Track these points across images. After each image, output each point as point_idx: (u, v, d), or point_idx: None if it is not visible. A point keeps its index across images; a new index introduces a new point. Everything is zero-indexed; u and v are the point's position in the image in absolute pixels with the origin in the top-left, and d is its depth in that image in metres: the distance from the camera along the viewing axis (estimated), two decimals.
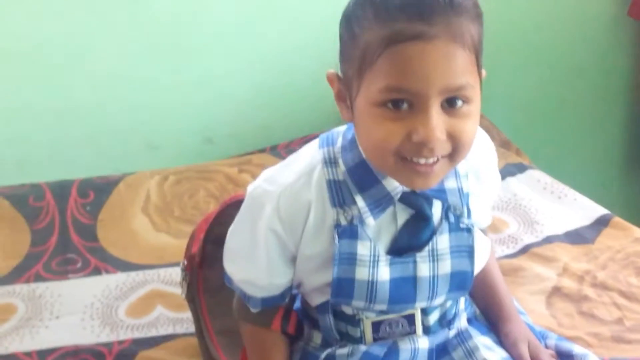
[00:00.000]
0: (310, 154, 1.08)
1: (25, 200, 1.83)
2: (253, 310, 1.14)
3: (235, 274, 1.14)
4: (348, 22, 0.99)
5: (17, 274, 1.63)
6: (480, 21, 0.97)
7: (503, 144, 2.10)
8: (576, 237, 1.67)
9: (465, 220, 1.08)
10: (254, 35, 2.13)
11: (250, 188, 1.10)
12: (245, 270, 1.13)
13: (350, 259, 1.03)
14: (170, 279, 1.65)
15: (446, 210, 1.07)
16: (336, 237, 1.03)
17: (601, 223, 1.70)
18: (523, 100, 2.49)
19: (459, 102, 0.94)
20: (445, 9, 0.92)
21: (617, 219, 1.70)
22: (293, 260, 1.10)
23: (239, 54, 2.14)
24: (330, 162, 1.05)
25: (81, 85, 2.03)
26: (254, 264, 1.10)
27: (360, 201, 1.03)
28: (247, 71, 2.17)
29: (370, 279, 1.04)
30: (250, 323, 1.17)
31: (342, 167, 1.05)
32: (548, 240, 1.66)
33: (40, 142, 2.04)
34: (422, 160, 0.95)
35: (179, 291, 1.55)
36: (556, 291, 1.50)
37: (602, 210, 1.75)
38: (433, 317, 1.11)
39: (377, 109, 0.95)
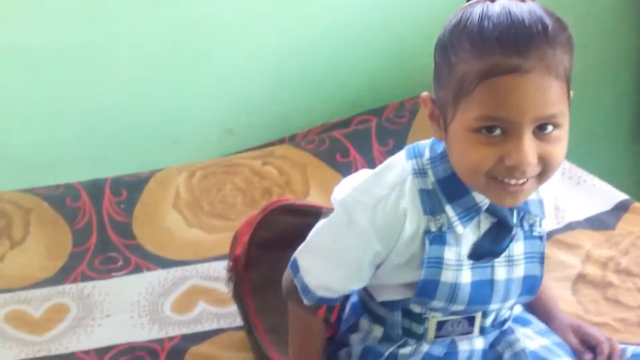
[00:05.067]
0: (400, 165, 1.13)
1: (63, 201, 1.89)
2: (306, 302, 1.21)
3: (312, 272, 1.19)
4: (444, 49, 1.04)
5: (65, 274, 1.70)
6: (572, 51, 1.02)
7: None
8: (597, 223, 1.73)
9: (538, 229, 1.15)
10: (268, 29, 2.18)
11: (339, 196, 1.15)
12: (324, 273, 1.18)
13: (438, 263, 1.10)
14: (208, 274, 1.72)
15: (521, 218, 1.14)
16: (427, 242, 1.10)
17: (621, 208, 1.76)
18: None
19: (550, 127, 1.00)
20: (540, 43, 0.97)
21: (636, 204, 1.76)
22: (378, 266, 1.16)
23: (255, 48, 2.19)
24: (420, 172, 1.11)
25: (103, 87, 2.08)
26: (337, 270, 1.17)
27: (450, 211, 1.09)
28: (263, 63, 2.22)
29: (453, 281, 1.11)
30: (298, 306, 1.23)
31: (431, 178, 1.10)
32: (570, 226, 1.73)
33: (68, 143, 2.10)
34: (513, 181, 1.01)
35: (218, 286, 1.65)
36: (581, 278, 1.58)
37: (621, 196, 1.81)
38: (489, 319, 1.19)
39: (471, 134, 1.00)
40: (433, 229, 1.10)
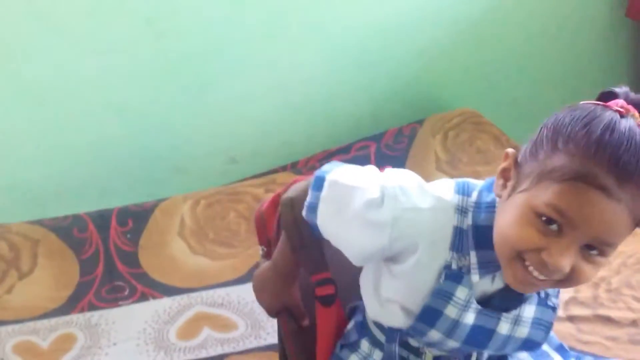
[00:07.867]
0: (448, 195, 1.14)
1: (70, 232, 1.94)
2: (303, 213, 1.19)
3: (327, 203, 1.17)
4: (556, 132, 1.03)
5: (72, 304, 1.75)
6: None
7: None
8: None
9: (553, 299, 1.18)
10: (269, 58, 2.23)
11: (385, 181, 1.14)
12: (334, 219, 1.17)
13: (447, 297, 1.13)
14: (213, 300, 1.77)
15: None
16: (443, 276, 1.12)
17: None
18: (526, 103, 2.60)
19: (596, 252, 1.01)
20: (637, 184, 0.98)
21: None
22: (380, 253, 1.16)
23: (257, 77, 2.25)
24: (462, 210, 1.13)
25: (107, 118, 2.14)
26: (345, 229, 1.16)
27: (473, 257, 1.12)
28: (266, 93, 2.27)
29: (456, 318, 1.14)
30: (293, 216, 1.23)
31: (469, 221, 1.12)
32: None
33: (74, 174, 2.15)
34: (535, 273, 1.03)
35: (222, 312, 1.69)
36: (574, 298, 1.62)
37: None
38: (485, 356, 1.23)
39: (531, 213, 1.01)
40: (454, 266, 1.13)
